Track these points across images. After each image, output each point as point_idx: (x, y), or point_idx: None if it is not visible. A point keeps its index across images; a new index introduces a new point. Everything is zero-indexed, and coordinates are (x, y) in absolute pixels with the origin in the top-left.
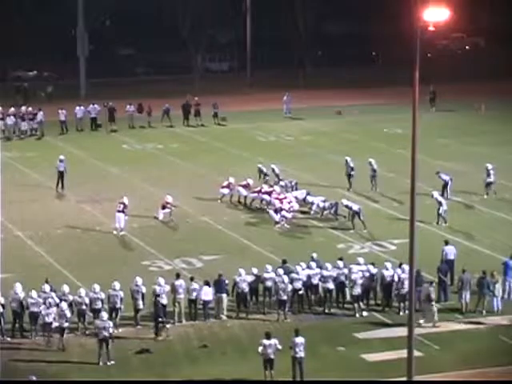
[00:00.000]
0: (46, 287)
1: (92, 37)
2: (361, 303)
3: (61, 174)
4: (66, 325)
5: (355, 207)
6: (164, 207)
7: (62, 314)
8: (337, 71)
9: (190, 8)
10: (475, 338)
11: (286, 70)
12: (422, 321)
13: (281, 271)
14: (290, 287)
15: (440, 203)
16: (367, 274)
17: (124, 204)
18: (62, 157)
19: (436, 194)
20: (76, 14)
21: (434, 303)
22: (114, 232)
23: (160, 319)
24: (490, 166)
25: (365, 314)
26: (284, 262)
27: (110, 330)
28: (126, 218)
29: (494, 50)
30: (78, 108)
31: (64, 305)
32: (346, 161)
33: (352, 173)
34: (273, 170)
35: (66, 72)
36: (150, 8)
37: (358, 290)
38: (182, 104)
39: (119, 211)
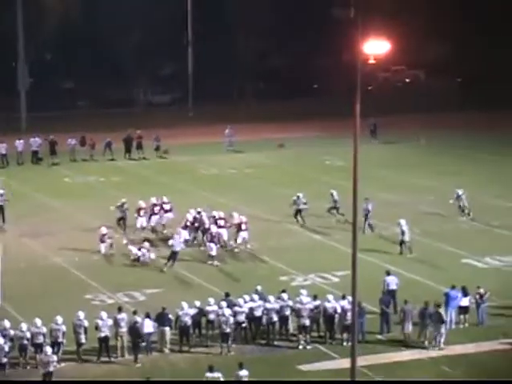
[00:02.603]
0: None
1: (33, 70)
2: (307, 335)
3: (0, 208)
4: (5, 360)
5: None
6: (102, 240)
7: (1, 348)
8: (278, 103)
9: (132, 40)
10: (418, 368)
11: (229, 102)
12: (426, 342)
13: (224, 304)
14: (232, 320)
15: (403, 232)
16: (311, 306)
17: (103, 234)
18: (1, 191)
19: (403, 223)
20: (16, 48)
21: (443, 325)
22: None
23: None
24: (460, 192)
25: (308, 346)
26: (227, 295)
27: (55, 364)
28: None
29: (434, 83)
30: (18, 141)
31: (1, 340)
32: (332, 193)
33: (337, 205)
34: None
35: (6, 105)
36: (91, 41)
37: (305, 321)
38: (123, 137)
39: (101, 242)
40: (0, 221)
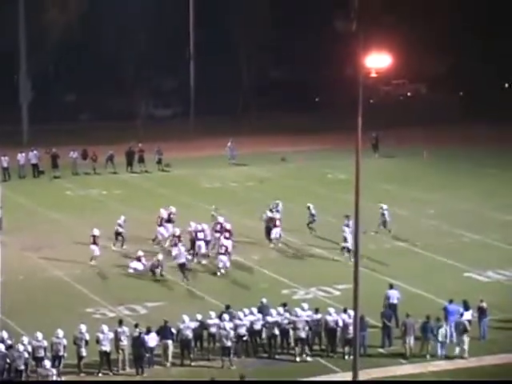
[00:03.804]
0: None
1: (34, 83)
2: (303, 348)
3: None
4: (23, 367)
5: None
6: (95, 242)
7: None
8: (280, 117)
9: (134, 54)
10: (419, 382)
11: (231, 116)
12: (428, 356)
13: (226, 317)
14: (232, 333)
15: (383, 215)
16: (307, 318)
17: (95, 236)
18: None
19: (384, 207)
20: (18, 61)
21: (466, 334)
22: (92, 263)
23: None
24: (384, 206)
25: (309, 358)
26: (227, 307)
27: (54, 378)
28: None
29: (435, 97)
30: (20, 155)
31: (21, 347)
32: (309, 207)
33: (314, 219)
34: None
35: (8, 118)
36: (93, 54)
37: (300, 334)
38: (125, 150)
39: (92, 243)
40: None
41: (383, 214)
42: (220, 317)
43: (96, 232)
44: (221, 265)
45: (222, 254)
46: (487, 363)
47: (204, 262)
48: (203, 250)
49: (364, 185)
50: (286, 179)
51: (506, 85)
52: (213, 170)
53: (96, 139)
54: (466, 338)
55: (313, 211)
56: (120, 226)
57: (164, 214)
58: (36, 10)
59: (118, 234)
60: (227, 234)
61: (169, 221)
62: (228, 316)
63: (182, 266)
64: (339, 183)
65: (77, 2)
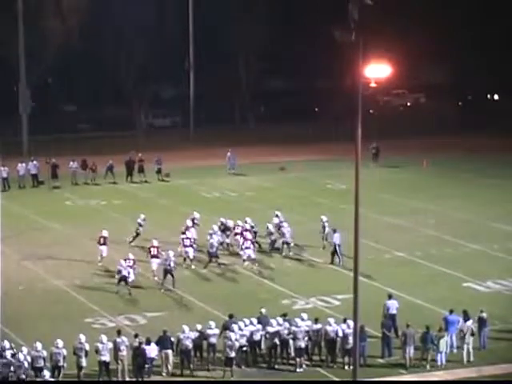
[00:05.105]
0: None
1: (34, 94)
2: (302, 358)
3: None
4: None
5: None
6: (104, 243)
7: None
8: (279, 127)
9: (133, 64)
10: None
11: (230, 126)
12: (428, 366)
13: (236, 327)
14: (237, 344)
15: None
16: (313, 329)
17: (104, 237)
18: None
19: (324, 219)
20: (18, 72)
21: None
22: (99, 264)
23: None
24: (324, 218)
25: (302, 368)
26: (231, 316)
27: None
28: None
29: (434, 106)
30: (20, 165)
31: (21, 356)
32: (277, 216)
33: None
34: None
35: (7, 129)
36: (93, 64)
37: (300, 344)
38: (125, 160)
39: (101, 244)
40: None
41: (324, 227)
42: (224, 327)
43: (105, 233)
44: (245, 256)
45: (247, 248)
46: (487, 373)
47: (193, 267)
48: (191, 256)
49: (364, 195)
50: (285, 189)
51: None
52: (212, 180)
53: (96, 149)
54: (470, 340)
55: (281, 218)
56: (140, 224)
57: (189, 222)
58: (36, 21)
59: (137, 232)
60: (247, 234)
61: (193, 226)
62: (237, 326)
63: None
64: (339, 193)
65: (77, 12)
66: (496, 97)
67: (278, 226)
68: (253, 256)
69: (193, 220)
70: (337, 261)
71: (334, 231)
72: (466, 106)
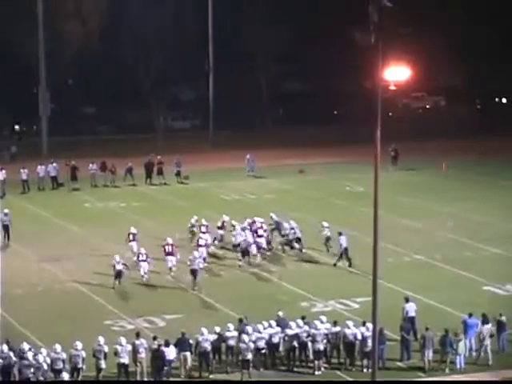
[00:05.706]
0: (4, 347)
1: (54, 96)
2: (321, 361)
3: (6, 228)
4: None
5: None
6: (133, 239)
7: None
8: (298, 130)
9: (152, 66)
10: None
11: (249, 129)
12: (447, 370)
13: (250, 329)
14: (252, 346)
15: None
16: (326, 331)
17: (133, 234)
18: (6, 210)
19: (325, 224)
20: (38, 74)
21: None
22: (134, 259)
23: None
24: (325, 224)
25: (320, 371)
26: (240, 320)
27: None
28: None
29: (454, 109)
30: (39, 167)
31: (40, 357)
32: (271, 217)
33: (278, 227)
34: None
35: (27, 131)
36: (112, 67)
37: (319, 346)
38: (144, 163)
39: (131, 241)
40: (6, 240)
41: (324, 232)
42: (239, 331)
43: (133, 230)
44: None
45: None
46: (506, 376)
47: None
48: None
49: (383, 197)
50: (304, 191)
51: None
52: (231, 183)
53: (115, 151)
54: (489, 343)
55: (276, 219)
56: (192, 225)
57: (218, 223)
58: (55, 23)
59: (192, 232)
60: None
61: (220, 228)
62: (251, 328)
63: (194, 272)
64: (358, 196)
65: (96, 15)
66: (504, 100)
67: (276, 226)
68: (264, 245)
69: (223, 223)
70: (345, 263)
71: (340, 234)
72: (486, 109)
